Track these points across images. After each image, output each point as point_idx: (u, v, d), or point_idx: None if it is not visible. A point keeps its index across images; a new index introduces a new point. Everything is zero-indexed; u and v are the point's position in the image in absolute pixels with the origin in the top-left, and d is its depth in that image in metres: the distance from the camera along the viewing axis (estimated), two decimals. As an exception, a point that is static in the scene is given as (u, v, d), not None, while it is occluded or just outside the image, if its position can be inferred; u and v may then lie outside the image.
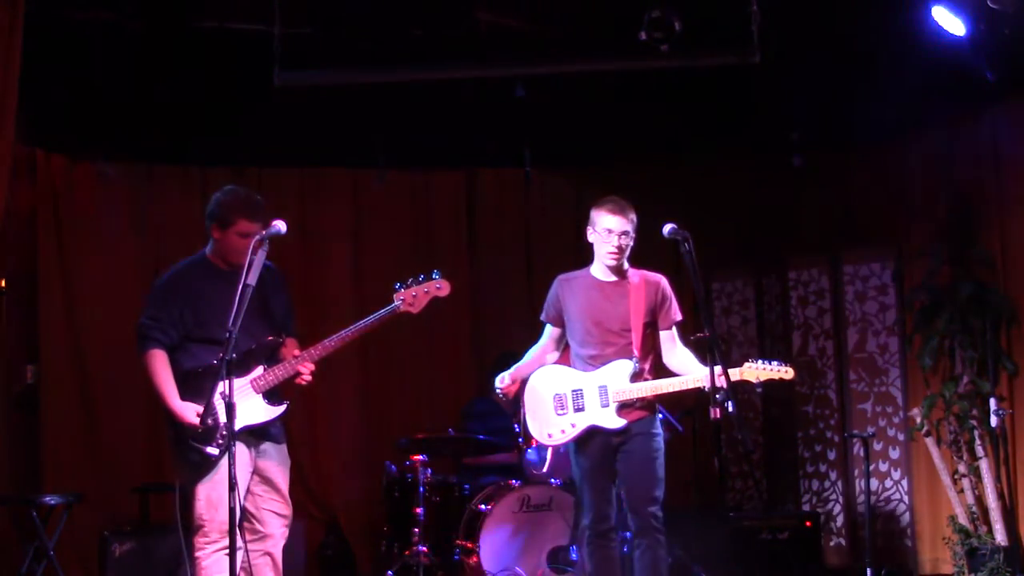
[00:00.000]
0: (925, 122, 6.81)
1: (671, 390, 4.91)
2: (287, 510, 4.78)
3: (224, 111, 6.85)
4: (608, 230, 4.94)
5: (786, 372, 4.84)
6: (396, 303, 4.66)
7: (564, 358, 5.20)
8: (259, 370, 4.63)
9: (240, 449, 4.54)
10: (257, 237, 4.34)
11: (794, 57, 6.27)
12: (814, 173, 7.45)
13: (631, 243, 4.99)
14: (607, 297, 5.02)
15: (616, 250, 4.96)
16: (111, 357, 7.06)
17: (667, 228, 4.56)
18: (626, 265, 5.04)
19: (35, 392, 6.90)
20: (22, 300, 6.82)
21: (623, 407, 4.93)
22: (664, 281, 5.06)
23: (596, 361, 4.99)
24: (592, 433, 4.97)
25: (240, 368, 4.52)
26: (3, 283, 6.23)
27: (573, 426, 4.99)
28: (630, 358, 4.93)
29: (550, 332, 5.19)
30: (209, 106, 6.81)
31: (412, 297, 4.64)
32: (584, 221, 5.05)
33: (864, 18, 6.23)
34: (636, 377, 4.93)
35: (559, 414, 5.02)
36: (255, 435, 4.66)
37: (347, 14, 6.24)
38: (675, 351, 5.03)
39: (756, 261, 7.76)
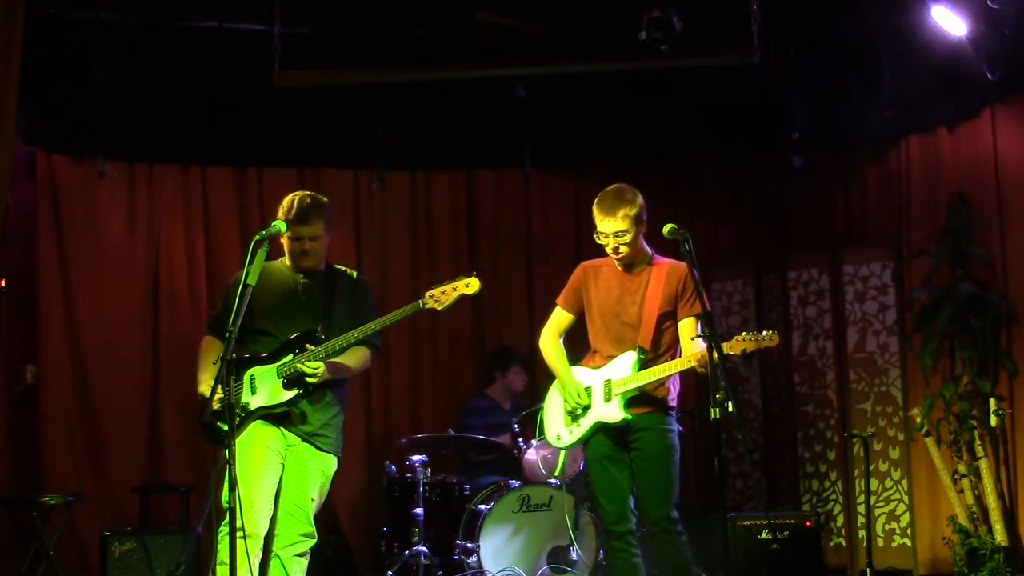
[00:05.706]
0: (925, 122, 6.80)
1: (665, 375, 4.66)
2: (296, 533, 4.75)
3: (224, 111, 6.86)
4: (602, 233, 4.76)
5: (770, 339, 4.50)
6: (422, 298, 4.66)
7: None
8: (288, 357, 4.70)
9: (261, 430, 4.70)
10: (256, 237, 4.37)
11: (794, 57, 6.27)
12: (814, 173, 7.45)
13: (630, 239, 4.73)
14: (625, 289, 4.83)
15: (614, 253, 4.79)
16: (111, 357, 7.07)
17: (667, 228, 4.56)
18: (647, 254, 4.81)
19: (35, 392, 6.89)
20: (22, 300, 6.81)
21: (629, 401, 4.74)
22: (688, 270, 4.67)
23: (611, 358, 4.82)
24: (599, 430, 4.81)
25: (273, 356, 4.71)
26: (3, 283, 6.21)
27: (580, 426, 4.85)
28: (636, 349, 4.75)
29: (562, 320, 5.02)
30: (209, 106, 6.82)
31: (441, 294, 4.64)
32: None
33: (864, 18, 6.25)
34: (643, 368, 4.73)
35: (570, 415, 4.89)
36: (281, 421, 4.73)
37: (347, 14, 6.25)
38: (690, 344, 4.70)
39: (756, 261, 7.75)
